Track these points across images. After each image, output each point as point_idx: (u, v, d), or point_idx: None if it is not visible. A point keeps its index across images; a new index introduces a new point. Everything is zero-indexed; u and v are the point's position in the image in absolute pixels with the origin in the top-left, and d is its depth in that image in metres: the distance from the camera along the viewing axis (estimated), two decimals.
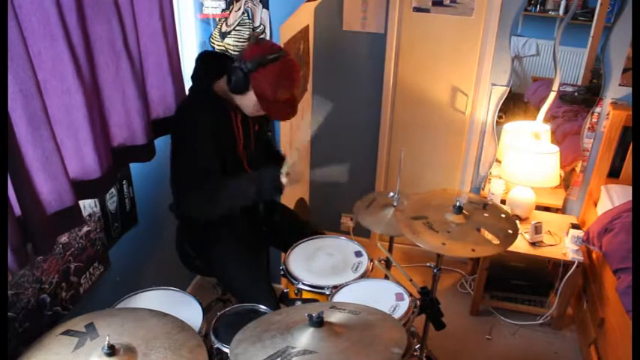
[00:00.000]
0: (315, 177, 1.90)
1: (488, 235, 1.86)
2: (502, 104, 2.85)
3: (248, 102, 1.84)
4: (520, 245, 2.64)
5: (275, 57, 1.76)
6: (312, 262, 1.95)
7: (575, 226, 2.68)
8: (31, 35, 1.31)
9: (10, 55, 1.21)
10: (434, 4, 2.75)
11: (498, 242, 1.83)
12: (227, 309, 1.76)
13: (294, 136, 2.76)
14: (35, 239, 1.37)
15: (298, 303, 1.76)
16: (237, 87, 1.81)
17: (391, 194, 2.11)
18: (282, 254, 2.09)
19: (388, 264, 2.29)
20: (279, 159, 2.15)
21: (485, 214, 1.97)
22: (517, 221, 2.42)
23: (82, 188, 1.55)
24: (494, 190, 2.84)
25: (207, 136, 1.83)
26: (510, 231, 1.89)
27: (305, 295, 1.84)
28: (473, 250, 1.78)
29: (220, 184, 1.85)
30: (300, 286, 1.83)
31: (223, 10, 2.29)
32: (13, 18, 1.21)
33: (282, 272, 1.91)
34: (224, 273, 2.01)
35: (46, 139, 1.34)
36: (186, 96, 1.98)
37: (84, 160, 1.55)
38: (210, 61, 1.93)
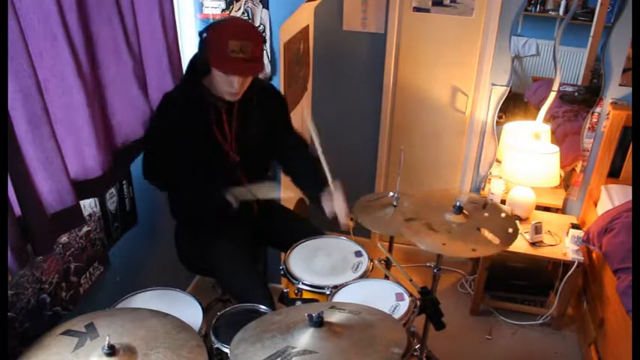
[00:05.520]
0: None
1: (489, 235, 1.86)
2: (502, 104, 2.85)
3: (216, 76, 1.79)
4: (520, 245, 2.64)
5: (223, 19, 1.80)
6: (312, 262, 1.94)
7: (575, 226, 2.68)
8: (31, 34, 1.31)
9: (11, 55, 1.21)
10: (434, 4, 2.76)
11: (498, 242, 1.83)
12: (227, 309, 1.76)
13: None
14: (35, 239, 1.37)
15: (298, 303, 1.76)
16: (200, 61, 1.79)
17: (391, 194, 2.11)
18: (282, 254, 2.09)
19: (388, 264, 2.29)
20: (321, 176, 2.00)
21: (486, 214, 1.97)
22: (517, 221, 2.42)
23: (82, 188, 1.55)
24: (494, 190, 2.84)
25: (170, 123, 1.84)
26: (510, 231, 1.89)
27: (305, 295, 1.84)
28: (473, 250, 1.79)
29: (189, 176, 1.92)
30: (300, 286, 1.83)
31: (223, 10, 2.29)
32: (14, 17, 1.20)
33: (282, 272, 1.91)
34: (221, 273, 2.01)
35: (46, 138, 1.34)
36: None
37: (84, 160, 1.55)
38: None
